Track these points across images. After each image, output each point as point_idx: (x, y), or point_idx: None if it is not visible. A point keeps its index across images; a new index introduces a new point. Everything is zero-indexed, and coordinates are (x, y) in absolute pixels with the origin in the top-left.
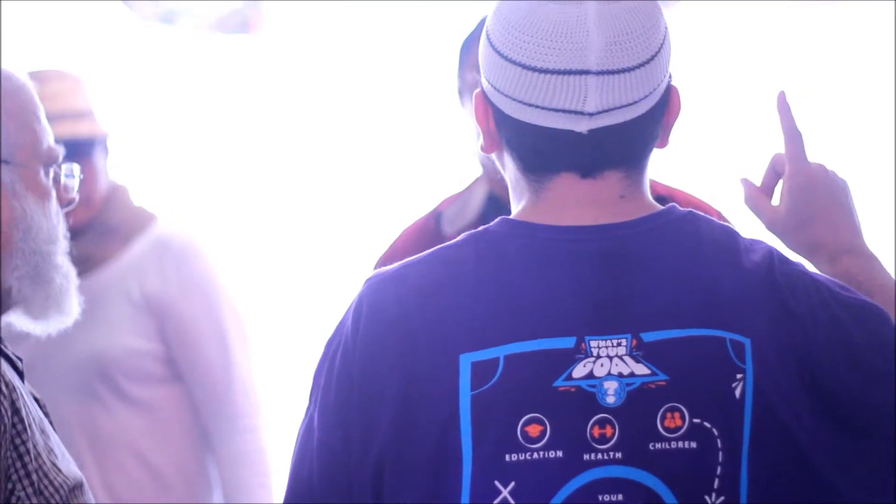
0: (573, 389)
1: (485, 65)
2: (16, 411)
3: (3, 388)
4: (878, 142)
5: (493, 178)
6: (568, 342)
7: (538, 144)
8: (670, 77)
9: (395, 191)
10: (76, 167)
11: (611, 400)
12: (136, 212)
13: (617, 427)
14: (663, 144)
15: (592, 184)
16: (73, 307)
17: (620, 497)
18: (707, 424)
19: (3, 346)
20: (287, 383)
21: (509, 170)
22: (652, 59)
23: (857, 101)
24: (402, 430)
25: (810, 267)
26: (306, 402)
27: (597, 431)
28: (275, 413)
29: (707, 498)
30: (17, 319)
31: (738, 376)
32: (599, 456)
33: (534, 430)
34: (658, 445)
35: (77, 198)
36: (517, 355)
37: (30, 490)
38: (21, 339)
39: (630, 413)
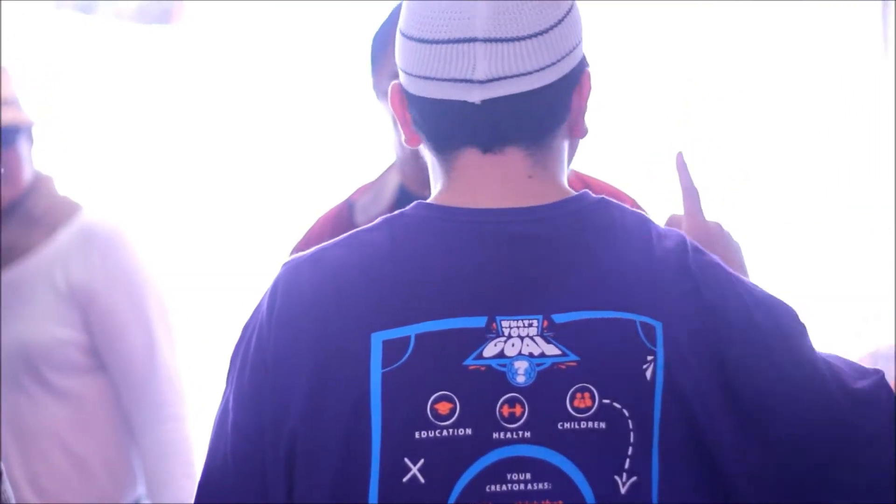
0: (483, 368)
1: (397, 50)
2: None
3: None
4: (878, 141)
5: (404, 170)
6: (479, 322)
7: (438, 119)
8: (584, 61)
9: (313, 180)
10: None
11: (521, 379)
12: (61, 201)
13: (526, 406)
14: (580, 132)
15: (495, 160)
16: None
17: (528, 476)
18: (617, 405)
19: None
20: (213, 372)
21: (426, 156)
22: (546, 31)
23: (850, 99)
24: (314, 409)
25: None
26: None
27: (506, 410)
28: (201, 402)
29: (617, 478)
30: None
31: (649, 358)
32: (508, 435)
33: (443, 407)
34: (567, 425)
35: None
36: (428, 334)
37: None
38: None
39: (539, 393)
